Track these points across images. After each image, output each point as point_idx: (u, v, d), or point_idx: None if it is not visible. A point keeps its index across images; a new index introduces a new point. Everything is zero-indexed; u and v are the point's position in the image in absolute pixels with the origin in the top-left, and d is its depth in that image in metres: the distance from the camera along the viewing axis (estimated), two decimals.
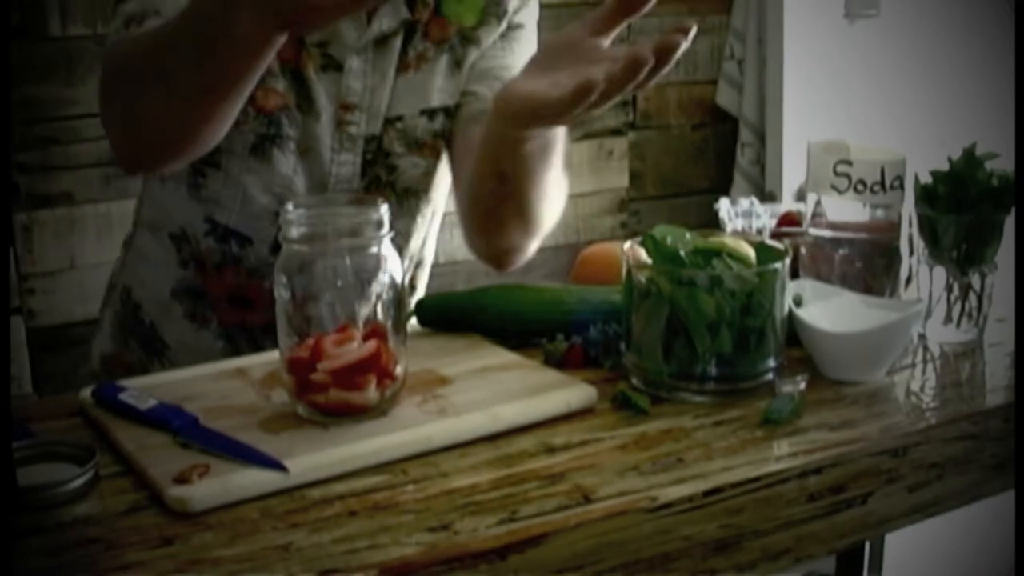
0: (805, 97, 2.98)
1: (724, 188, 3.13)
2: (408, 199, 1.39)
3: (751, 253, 1.07)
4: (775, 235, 1.34)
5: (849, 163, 1.16)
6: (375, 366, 0.94)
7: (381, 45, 1.32)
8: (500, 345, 1.14)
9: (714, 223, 1.46)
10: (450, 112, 1.37)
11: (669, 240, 1.04)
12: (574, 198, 3.00)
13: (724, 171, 3.18)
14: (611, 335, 1.12)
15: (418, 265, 1.51)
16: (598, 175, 3.02)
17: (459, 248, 2.82)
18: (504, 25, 1.40)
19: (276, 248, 1.30)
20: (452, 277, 2.81)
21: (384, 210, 0.94)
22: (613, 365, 1.10)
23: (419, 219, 1.43)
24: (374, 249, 0.95)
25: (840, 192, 1.17)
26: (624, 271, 1.05)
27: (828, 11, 3.01)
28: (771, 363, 1.04)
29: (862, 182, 1.16)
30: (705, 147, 3.19)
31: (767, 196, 2.99)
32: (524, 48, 1.42)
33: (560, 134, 1.14)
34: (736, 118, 3.14)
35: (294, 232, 0.94)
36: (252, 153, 1.30)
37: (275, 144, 1.30)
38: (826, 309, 1.11)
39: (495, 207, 1.24)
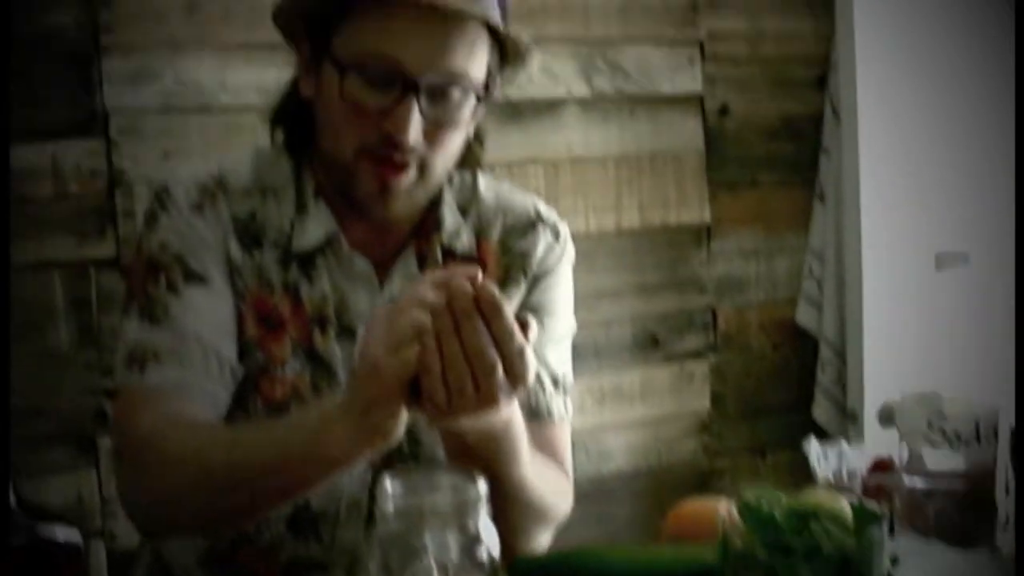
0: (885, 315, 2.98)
1: (805, 406, 3.11)
2: None
3: (846, 508, 1.05)
4: (869, 487, 1.32)
5: (944, 417, 1.16)
6: None
7: None
8: None
9: (794, 444, 1.45)
10: None
11: (764, 505, 1.03)
12: (655, 423, 3.01)
13: (805, 390, 3.15)
14: None
15: None
16: (679, 397, 3.01)
17: None
18: (530, 279, 1.36)
19: (292, 524, 1.28)
20: None
21: (482, 486, 0.94)
22: None
23: None
24: (471, 526, 0.94)
25: (935, 446, 1.16)
26: (720, 534, 1.04)
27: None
28: None
29: (957, 435, 1.15)
30: (786, 366, 3.17)
31: (849, 414, 2.97)
32: (553, 295, 1.38)
33: (500, 425, 1.12)
34: (816, 337, 3.13)
35: (391, 507, 0.93)
36: None
37: None
38: (923, 569, 1.09)
39: None
